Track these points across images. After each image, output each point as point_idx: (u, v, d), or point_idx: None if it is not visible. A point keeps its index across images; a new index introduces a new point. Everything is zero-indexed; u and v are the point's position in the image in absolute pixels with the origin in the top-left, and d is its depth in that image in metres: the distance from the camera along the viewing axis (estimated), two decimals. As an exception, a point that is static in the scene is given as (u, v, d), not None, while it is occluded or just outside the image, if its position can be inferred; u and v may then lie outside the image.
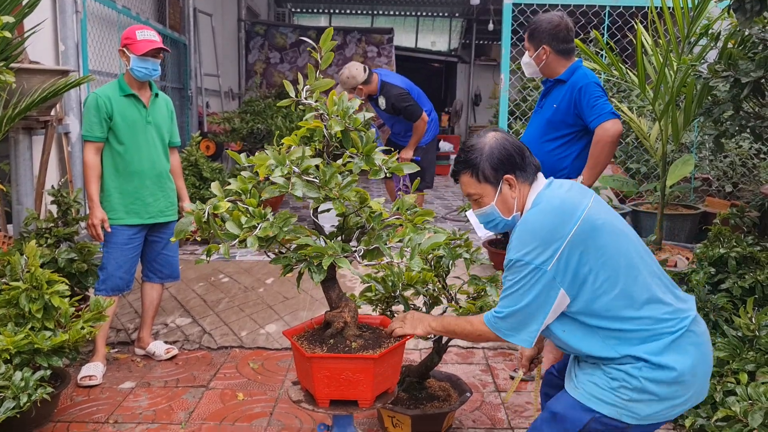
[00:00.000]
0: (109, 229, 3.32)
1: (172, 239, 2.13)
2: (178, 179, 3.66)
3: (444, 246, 2.51)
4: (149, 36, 3.29)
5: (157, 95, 3.48)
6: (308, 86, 2.07)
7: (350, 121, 2.04)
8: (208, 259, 2.06)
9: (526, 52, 3.30)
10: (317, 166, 2.00)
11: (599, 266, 1.75)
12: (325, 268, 1.98)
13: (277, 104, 2.08)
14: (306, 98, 2.04)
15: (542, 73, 3.29)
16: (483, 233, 3.57)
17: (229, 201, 2.08)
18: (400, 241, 1.99)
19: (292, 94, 2.06)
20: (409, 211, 2.04)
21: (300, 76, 2.13)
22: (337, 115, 2.06)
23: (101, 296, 3.28)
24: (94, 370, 3.28)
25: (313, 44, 2.02)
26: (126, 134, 3.33)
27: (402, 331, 2.18)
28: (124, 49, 3.29)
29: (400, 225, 2.07)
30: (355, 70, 5.32)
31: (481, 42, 17.22)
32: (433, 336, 2.54)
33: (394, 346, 2.14)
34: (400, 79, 5.55)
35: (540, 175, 1.97)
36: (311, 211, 2.17)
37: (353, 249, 2.06)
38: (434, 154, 5.94)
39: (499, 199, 1.92)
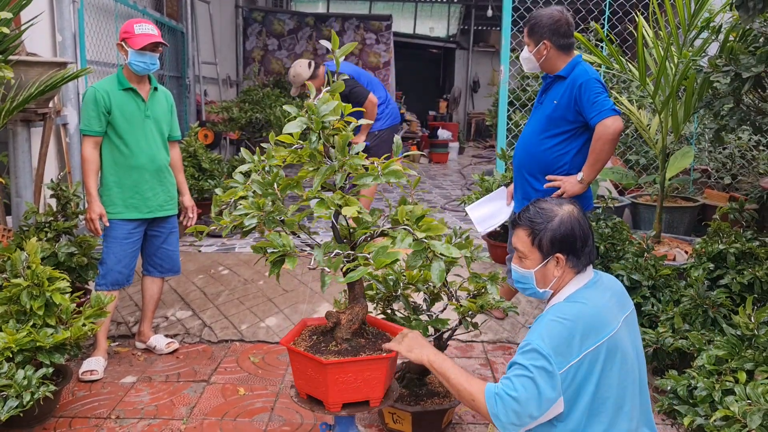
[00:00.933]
0: (107, 224, 3.32)
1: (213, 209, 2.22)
2: (179, 173, 3.65)
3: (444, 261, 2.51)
4: (147, 30, 3.27)
5: (156, 89, 3.47)
6: (328, 87, 2.07)
7: (314, 123, 2.01)
8: (200, 238, 2.23)
9: (525, 47, 3.27)
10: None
11: (598, 387, 1.78)
12: (269, 262, 2.03)
13: (305, 104, 2.07)
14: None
15: (542, 68, 3.28)
16: (483, 229, 3.58)
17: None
18: (370, 252, 1.95)
19: (313, 94, 2.06)
20: (416, 223, 2.01)
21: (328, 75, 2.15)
22: (311, 115, 2.04)
23: (102, 291, 3.29)
24: (95, 365, 3.29)
25: (329, 45, 2.02)
26: (125, 128, 3.32)
27: (395, 347, 2.11)
28: (123, 43, 3.27)
29: (381, 235, 2.05)
30: (299, 67, 5.22)
31: (480, 28, 17.14)
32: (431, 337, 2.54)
33: (357, 358, 2.09)
34: (347, 66, 5.40)
35: (590, 268, 1.95)
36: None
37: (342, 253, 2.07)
38: (389, 144, 5.74)
39: (541, 270, 1.91)
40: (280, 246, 2.01)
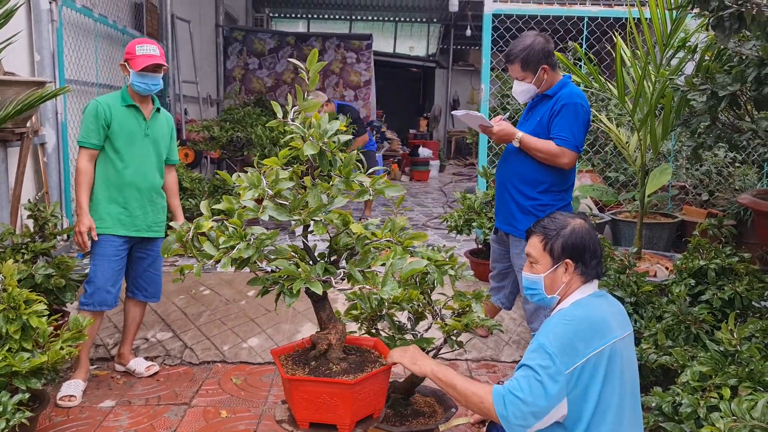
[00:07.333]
0: (95, 237, 3.27)
1: (165, 255, 2.13)
2: (174, 197, 3.63)
3: (431, 264, 2.49)
4: (149, 51, 3.26)
5: (158, 110, 3.45)
6: (296, 107, 2.05)
7: (325, 144, 2.01)
8: (182, 278, 2.09)
9: (518, 81, 3.31)
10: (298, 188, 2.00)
11: (602, 392, 1.82)
12: (295, 291, 1.95)
13: (266, 124, 2.05)
14: (293, 119, 2.02)
15: (540, 92, 3.32)
16: (460, 114, 3.45)
17: (215, 220, 2.07)
18: (383, 264, 1.97)
19: (280, 115, 2.04)
20: (399, 233, 2.02)
21: (290, 97, 2.11)
22: (313, 137, 2.03)
23: (87, 311, 3.24)
24: (74, 390, 3.22)
25: (302, 65, 2.00)
26: (122, 144, 3.29)
27: (398, 359, 2.12)
28: (125, 63, 3.27)
29: (386, 248, 2.05)
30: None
31: (459, 47, 17.31)
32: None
33: (372, 373, 2.07)
34: None
35: (596, 282, 2.04)
36: (298, 232, 2.16)
37: (338, 271, 2.04)
38: None
39: (551, 276, 2.01)
40: (301, 274, 1.94)
